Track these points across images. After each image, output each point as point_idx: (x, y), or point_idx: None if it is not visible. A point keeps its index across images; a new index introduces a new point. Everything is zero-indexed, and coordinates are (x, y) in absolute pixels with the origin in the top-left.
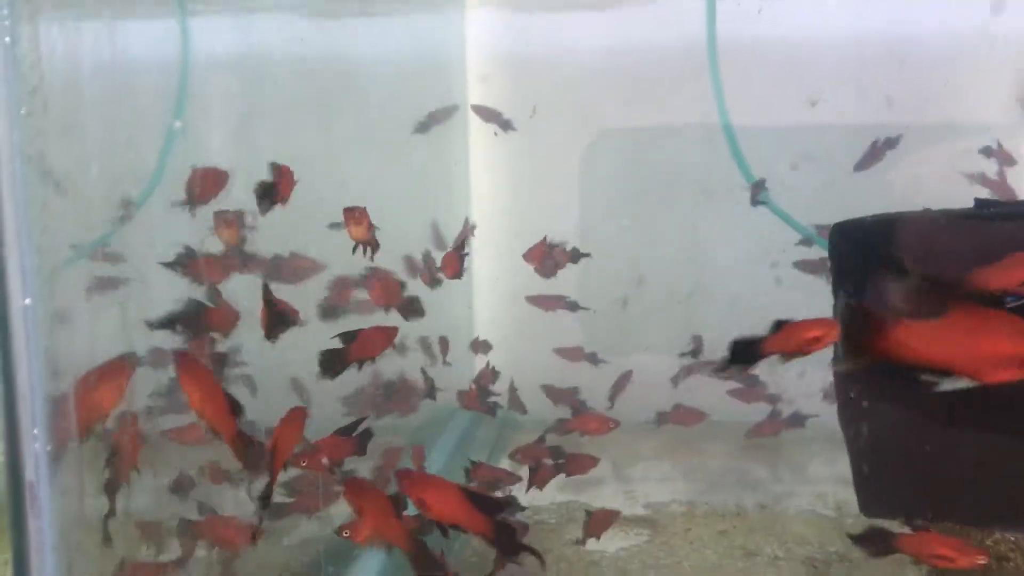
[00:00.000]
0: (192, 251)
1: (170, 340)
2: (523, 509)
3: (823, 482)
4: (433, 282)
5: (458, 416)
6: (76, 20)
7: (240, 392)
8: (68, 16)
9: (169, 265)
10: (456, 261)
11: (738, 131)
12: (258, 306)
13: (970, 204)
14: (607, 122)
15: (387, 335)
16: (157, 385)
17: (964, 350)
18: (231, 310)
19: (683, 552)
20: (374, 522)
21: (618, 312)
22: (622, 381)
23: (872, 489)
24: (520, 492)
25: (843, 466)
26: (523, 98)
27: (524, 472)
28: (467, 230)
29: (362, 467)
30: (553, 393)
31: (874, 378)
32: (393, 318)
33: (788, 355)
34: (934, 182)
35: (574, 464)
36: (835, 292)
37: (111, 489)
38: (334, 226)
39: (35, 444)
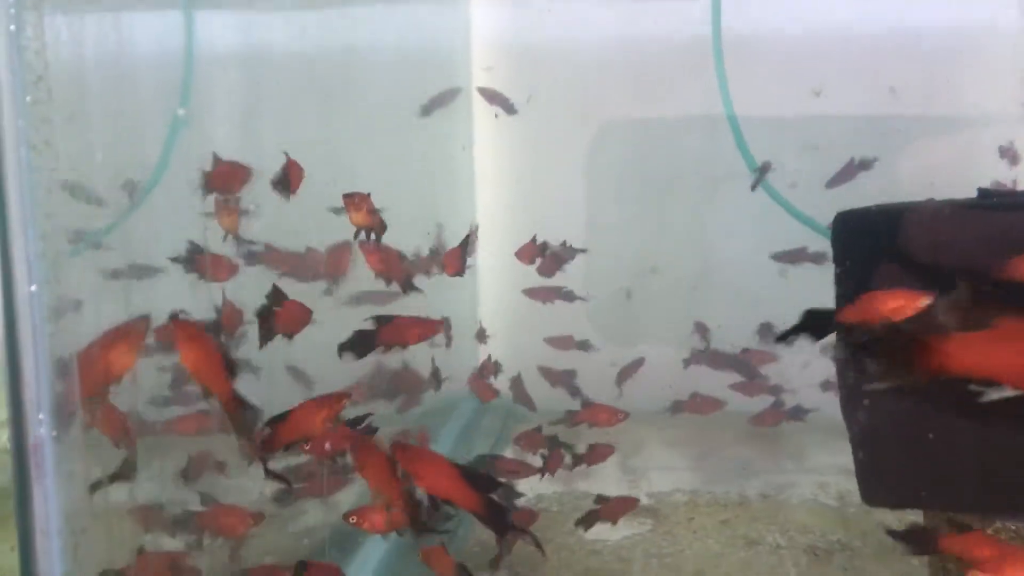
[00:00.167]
0: (198, 247)
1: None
2: (520, 495)
3: (825, 471)
4: (429, 273)
5: (462, 405)
6: (80, 9)
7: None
8: (72, 5)
9: (176, 260)
10: (458, 259)
11: (743, 121)
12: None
13: (974, 194)
14: (612, 113)
15: (425, 328)
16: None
17: (1017, 360)
18: (235, 310)
19: (685, 541)
20: (374, 479)
21: (623, 302)
22: (632, 368)
23: (874, 478)
24: (533, 481)
25: (845, 455)
26: (527, 89)
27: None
28: (472, 235)
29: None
30: (551, 375)
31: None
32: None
33: (862, 326)
34: (938, 172)
35: (592, 453)
36: (838, 282)
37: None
38: (337, 211)
39: (40, 429)
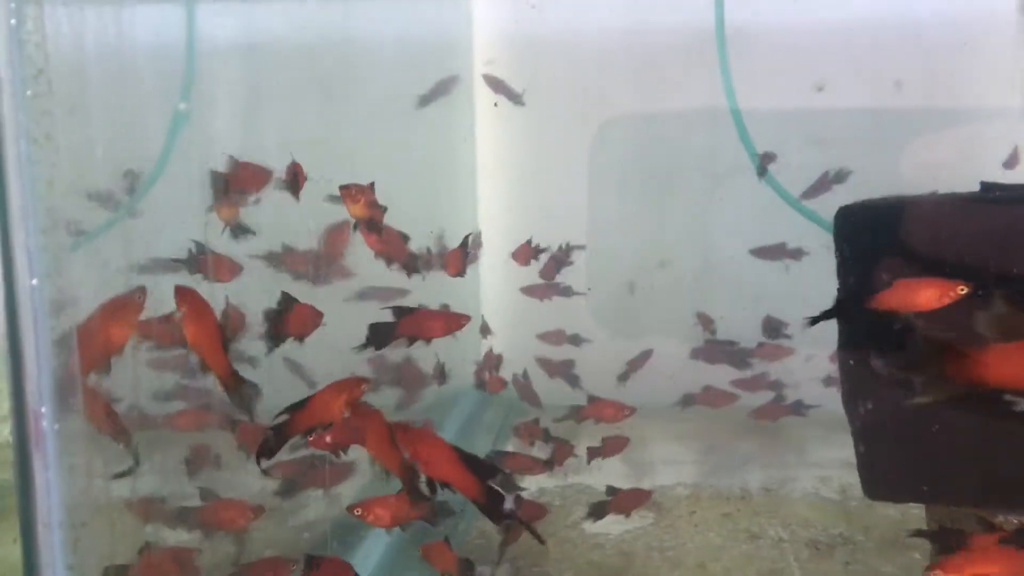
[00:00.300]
0: (202, 247)
1: None
2: (521, 488)
3: (827, 466)
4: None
5: (464, 399)
6: (81, 1)
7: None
8: None
9: (179, 262)
10: (459, 260)
11: (746, 115)
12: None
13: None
14: (614, 107)
15: (451, 321)
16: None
17: None
18: (239, 313)
19: (687, 535)
20: (373, 445)
21: (626, 297)
22: (640, 361)
23: (876, 472)
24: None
25: (847, 450)
26: (529, 82)
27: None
28: (475, 241)
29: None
30: (549, 366)
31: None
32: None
33: (898, 312)
34: (941, 165)
35: (607, 446)
36: (840, 275)
37: None
38: (333, 199)
39: (42, 422)
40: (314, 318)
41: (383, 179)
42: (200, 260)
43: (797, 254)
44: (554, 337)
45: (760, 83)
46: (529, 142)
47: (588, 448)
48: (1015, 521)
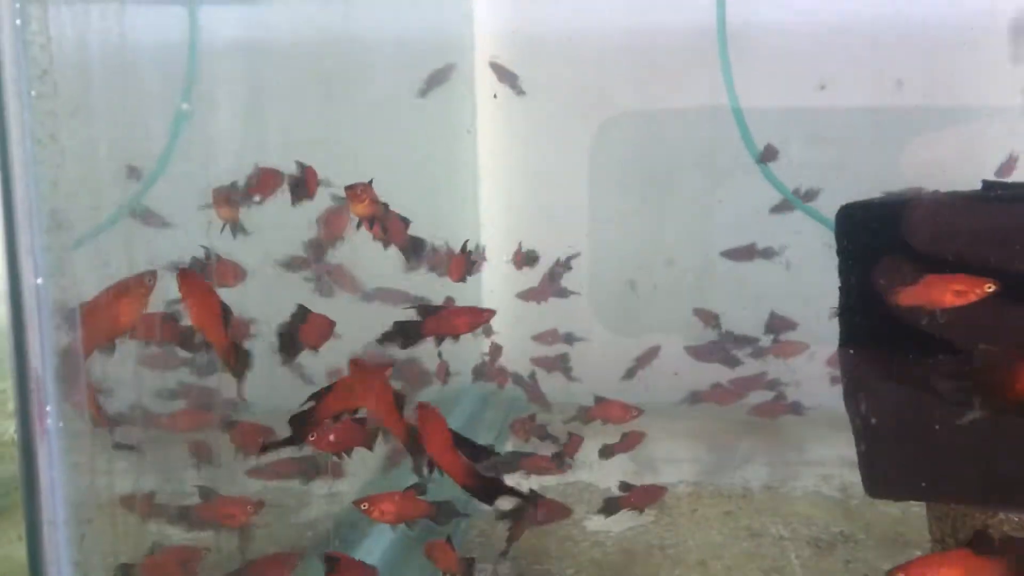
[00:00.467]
0: (208, 252)
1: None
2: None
3: (829, 464)
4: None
5: (465, 398)
6: (85, 2)
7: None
8: None
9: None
10: (461, 266)
11: (748, 113)
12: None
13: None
14: (615, 105)
15: (474, 317)
16: None
17: None
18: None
19: (688, 532)
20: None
21: (627, 294)
22: (647, 357)
23: (877, 470)
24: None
25: (848, 447)
26: (531, 80)
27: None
28: (480, 255)
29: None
30: (545, 363)
31: (879, 358)
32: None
33: (925, 307)
34: (941, 164)
35: (623, 441)
36: (841, 274)
37: None
38: (336, 199)
39: (47, 421)
40: (327, 327)
41: (385, 178)
42: (206, 264)
43: (768, 254)
44: (548, 337)
45: (761, 82)
46: (530, 141)
47: (605, 445)
48: (1015, 519)
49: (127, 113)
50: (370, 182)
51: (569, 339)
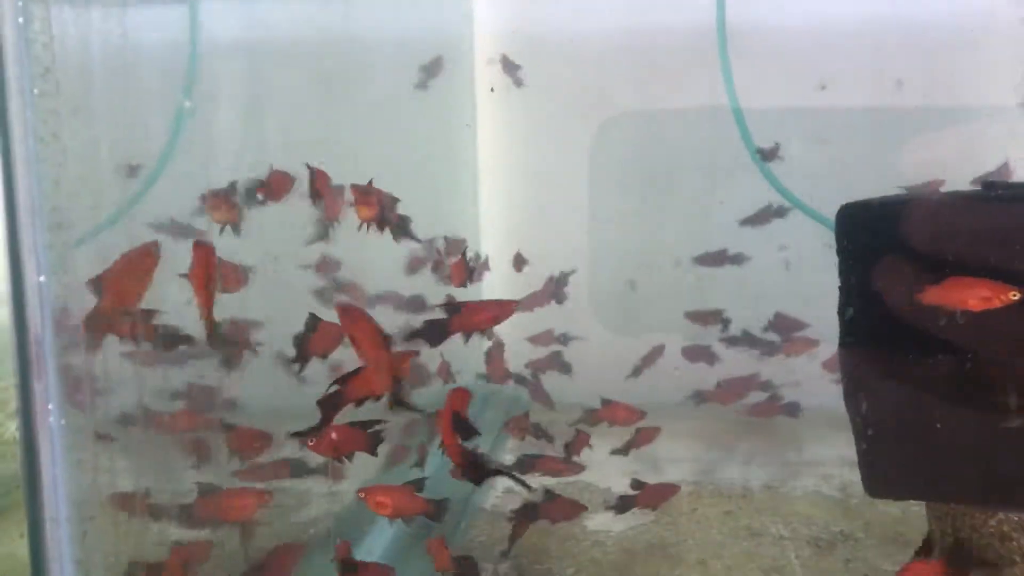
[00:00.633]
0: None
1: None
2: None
3: (829, 463)
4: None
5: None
6: (87, 1)
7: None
8: None
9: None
10: (463, 271)
11: (748, 114)
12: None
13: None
14: (615, 104)
15: (500, 310)
16: None
17: None
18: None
19: (688, 531)
20: (362, 347)
21: (627, 294)
22: (652, 356)
23: (877, 469)
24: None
25: (848, 447)
26: (530, 80)
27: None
28: (483, 265)
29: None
30: (540, 364)
31: (879, 357)
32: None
33: (946, 309)
34: (941, 164)
35: (638, 436)
36: (842, 274)
37: None
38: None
39: (50, 419)
40: (338, 335)
41: (385, 178)
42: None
43: (738, 259)
44: (544, 339)
45: (761, 82)
46: (530, 141)
47: (625, 442)
48: (1015, 519)
49: (129, 112)
50: (370, 183)
51: (564, 340)
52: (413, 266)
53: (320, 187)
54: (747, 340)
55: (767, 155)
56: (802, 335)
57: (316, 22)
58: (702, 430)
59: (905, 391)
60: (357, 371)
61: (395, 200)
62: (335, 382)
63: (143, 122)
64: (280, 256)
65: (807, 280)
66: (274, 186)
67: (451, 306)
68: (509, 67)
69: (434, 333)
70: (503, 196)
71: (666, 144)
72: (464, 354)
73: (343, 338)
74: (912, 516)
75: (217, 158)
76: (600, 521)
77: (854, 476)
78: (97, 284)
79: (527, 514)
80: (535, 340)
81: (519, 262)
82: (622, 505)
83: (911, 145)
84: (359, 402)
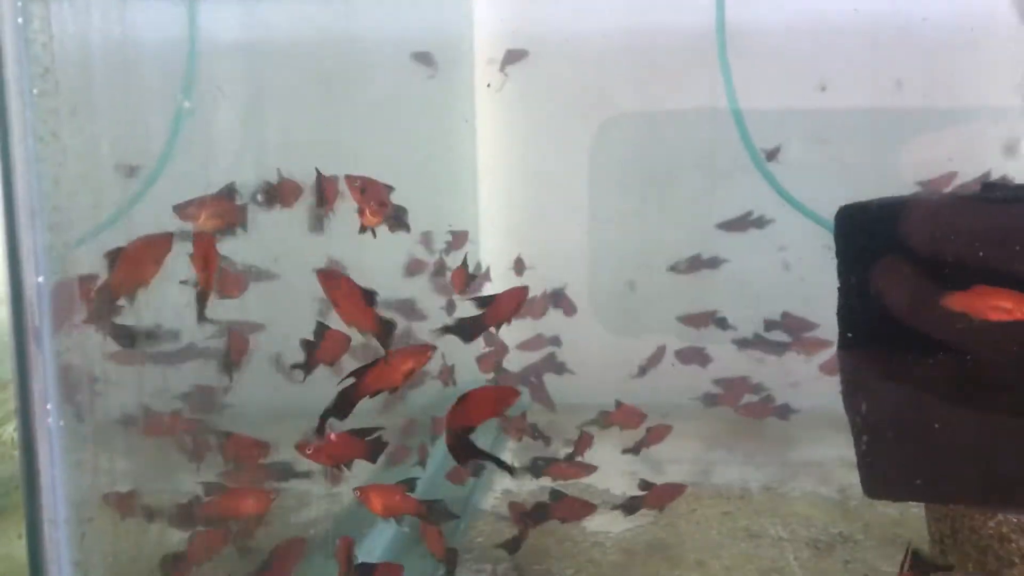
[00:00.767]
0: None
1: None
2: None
3: (828, 464)
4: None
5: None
6: (86, 0)
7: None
8: None
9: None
10: (462, 279)
11: (748, 115)
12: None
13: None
14: (614, 106)
15: (520, 295)
16: None
17: None
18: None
19: (687, 533)
20: (343, 306)
21: (626, 295)
22: (656, 356)
23: (876, 471)
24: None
25: (847, 448)
26: (530, 81)
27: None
28: (485, 276)
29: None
30: (536, 368)
31: (878, 358)
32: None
33: (969, 316)
34: (941, 165)
35: (650, 435)
36: (841, 275)
37: None
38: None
39: (48, 420)
40: (344, 343)
41: (386, 179)
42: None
43: (714, 263)
44: (533, 344)
45: (760, 82)
46: (530, 141)
47: (636, 441)
48: (1014, 520)
49: (129, 111)
50: (370, 183)
51: (555, 343)
52: (412, 269)
53: (329, 195)
54: (760, 342)
55: (770, 155)
56: (813, 335)
57: (316, 23)
58: (701, 431)
59: (904, 392)
60: (373, 363)
61: (390, 188)
62: (351, 374)
63: (143, 122)
64: (280, 257)
65: (806, 281)
66: (283, 192)
67: (482, 300)
68: (514, 57)
69: (472, 328)
70: (503, 197)
71: (666, 145)
72: (460, 355)
73: (349, 344)
74: (911, 518)
75: (217, 158)
76: (599, 522)
77: (853, 477)
78: (113, 257)
79: (537, 514)
80: (525, 346)
81: (519, 266)
82: (631, 506)
83: (911, 146)
84: (375, 394)
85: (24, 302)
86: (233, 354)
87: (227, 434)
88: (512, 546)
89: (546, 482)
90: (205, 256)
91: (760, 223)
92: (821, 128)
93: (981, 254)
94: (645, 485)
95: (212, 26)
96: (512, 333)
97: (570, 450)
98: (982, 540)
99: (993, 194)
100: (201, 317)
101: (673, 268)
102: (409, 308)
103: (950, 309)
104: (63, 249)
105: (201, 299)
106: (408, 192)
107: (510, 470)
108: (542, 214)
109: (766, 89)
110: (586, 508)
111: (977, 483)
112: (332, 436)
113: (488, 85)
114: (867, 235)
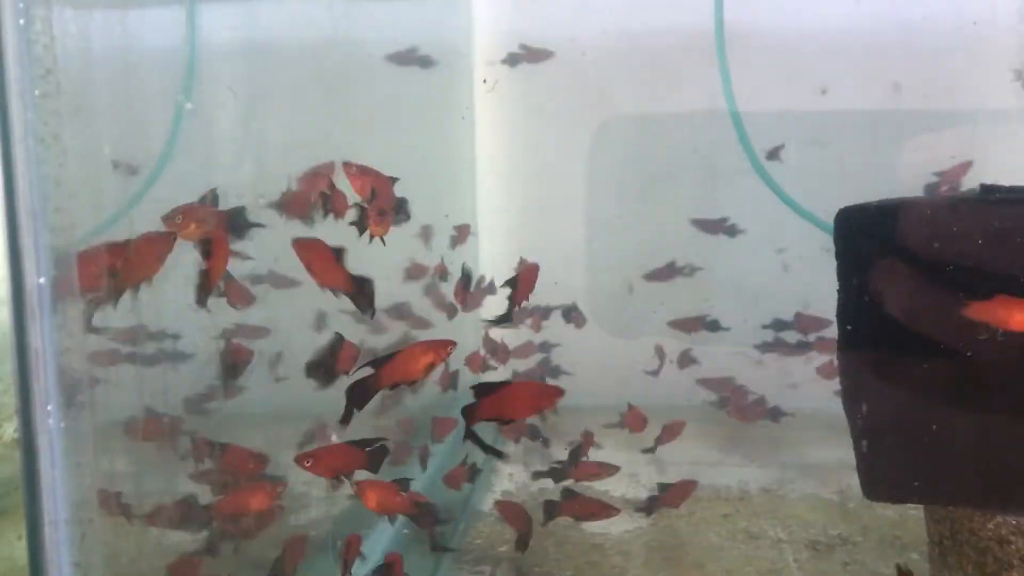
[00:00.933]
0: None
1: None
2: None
3: (827, 467)
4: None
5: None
6: (88, 3)
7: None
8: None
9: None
10: (462, 292)
11: (746, 117)
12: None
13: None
14: (614, 107)
15: (531, 276)
16: None
17: None
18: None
19: (686, 535)
20: (318, 269)
21: (625, 295)
22: (661, 357)
23: (875, 473)
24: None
25: (846, 450)
26: (530, 82)
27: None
28: (489, 288)
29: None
30: (532, 374)
31: (878, 360)
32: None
33: (988, 325)
34: (941, 167)
35: (665, 432)
36: (840, 277)
37: None
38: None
39: (49, 421)
40: (357, 353)
41: (385, 169)
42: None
43: (689, 270)
44: (524, 351)
45: (759, 85)
46: (529, 142)
47: (655, 439)
48: (1013, 522)
49: (130, 113)
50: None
51: (545, 348)
52: (412, 274)
53: (338, 207)
54: (780, 345)
55: (771, 154)
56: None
57: (316, 23)
58: (700, 432)
59: (904, 394)
60: (391, 355)
61: (394, 180)
62: (368, 364)
63: (144, 123)
64: (280, 257)
65: (806, 281)
66: (294, 203)
67: (510, 281)
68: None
69: (508, 315)
70: (503, 196)
71: (665, 145)
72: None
73: (359, 356)
74: (910, 519)
75: (217, 159)
76: (599, 523)
77: (852, 479)
78: (116, 250)
79: (553, 512)
80: (516, 353)
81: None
82: (649, 506)
83: (909, 148)
84: (394, 386)
85: (25, 302)
86: (235, 361)
87: (224, 445)
88: (520, 544)
89: (546, 483)
90: (217, 244)
91: (732, 231)
92: (819, 130)
93: (981, 256)
94: (662, 487)
95: (212, 28)
96: (509, 337)
97: (570, 451)
98: (981, 542)
99: (992, 196)
100: (201, 301)
101: (648, 277)
102: (404, 312)
103: (971, 319)
104: (64, 250)
105: (203, 284)
106: (408, 192)
107: (500, 455)
108: (542, 215)
109: (765, 91)
110: (606, 509)
111: (976, 485)
112: (333, 437)
113: (484, 81)
114: (867, 237)
